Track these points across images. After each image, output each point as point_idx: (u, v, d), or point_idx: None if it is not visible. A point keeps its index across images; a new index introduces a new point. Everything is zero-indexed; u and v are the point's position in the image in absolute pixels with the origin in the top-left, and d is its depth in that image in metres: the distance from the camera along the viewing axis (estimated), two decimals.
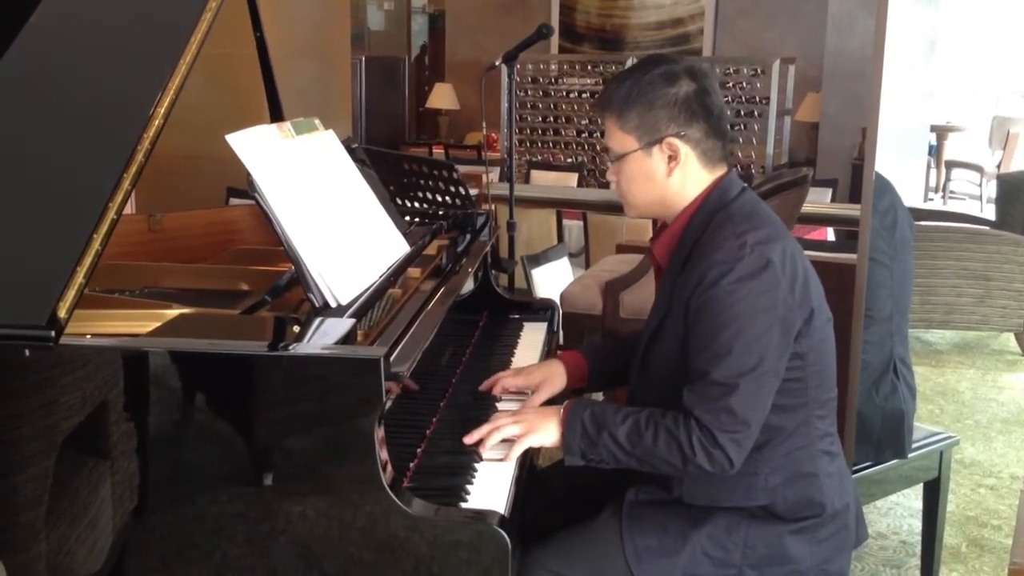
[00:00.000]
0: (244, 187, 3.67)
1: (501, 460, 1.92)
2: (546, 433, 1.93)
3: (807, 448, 1.94)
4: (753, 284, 1.81)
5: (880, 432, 2.74)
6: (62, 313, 1.58)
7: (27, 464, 1.67)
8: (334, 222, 2.03)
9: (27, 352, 1.58)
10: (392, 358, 1.66)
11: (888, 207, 2.77)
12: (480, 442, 1.94)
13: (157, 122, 1.81)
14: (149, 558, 1.67)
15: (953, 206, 9.90)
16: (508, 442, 1.94)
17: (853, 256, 2.71)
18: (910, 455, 2.81)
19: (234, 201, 4.32)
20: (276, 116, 2.75)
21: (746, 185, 1.99)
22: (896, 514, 3.63)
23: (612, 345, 2.37)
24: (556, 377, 2.21)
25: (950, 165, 10.42)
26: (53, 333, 1.57)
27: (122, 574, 1.68)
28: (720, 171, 1.97)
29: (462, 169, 3.17)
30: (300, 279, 1.87)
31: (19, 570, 1.69)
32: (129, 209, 3.67)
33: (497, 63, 3.49)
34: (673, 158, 1.92)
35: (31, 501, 1.67)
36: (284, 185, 1.91)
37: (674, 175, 1.93)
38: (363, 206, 2.22)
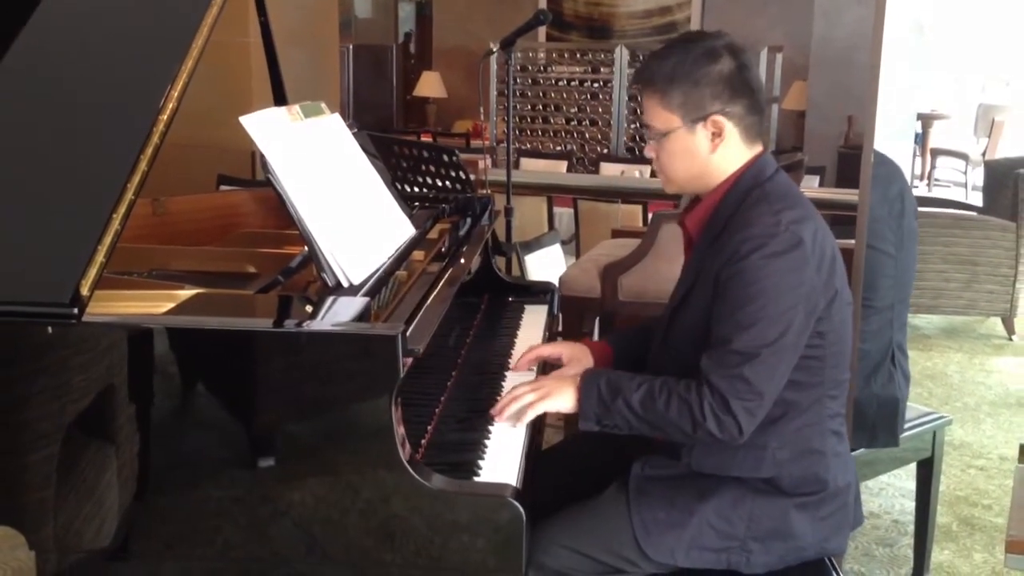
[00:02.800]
0: (235, 175, 3.68)
1: (515, 424, 1.96)
2: (563, 398, 1.97)
3: (818, 426, 1.98)
4: (783, 261, 1.85)
5: (875, 419, 2.77)
6: (84, 291, 1.61)
7: (40, 443, 1.69)
8: (345, 203, 2.06)
9: (50, 329, 1.61)
10: (408, 335, 1.70)
11: (897, 195, 2.76)
12: (499, 413, 1.99)
13: (172, 105, 1.83)
14: (164, 532, 1.70)
15: (938, 194, 9.97)
16: (523, 408, 1.99)
17: (850, 241, 2.73)
18: (904, 435, 2.86)
19: (225, 189, 4.34)
20: (280, 101, 2.77)
21: (779, 166, 2.02)
22: (888, 494, 3.69)
23: (637, 333, 2.40)
24: (584, 356, 2.25)
25: (935, 153, 10.50)
26: (76, 310, 1.60)
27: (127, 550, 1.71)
28: (757, 148, 2.00)
29: (463, 157, 3.20)
30: (313, 259, 1.90)
31: (31, 547, 1.72)
32: None
33: (494, 48, 3.52)
34: (718, 135, 1.95)
35: (42, 480, 1.69)
36: (296, 166, 1.94)
37: (717, 152, 1.96)
38: (371, 188, 2.25)
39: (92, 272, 1.63)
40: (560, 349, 2.25)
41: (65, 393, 1.66)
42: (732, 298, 1.87)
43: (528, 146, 9.03)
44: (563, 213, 6.29)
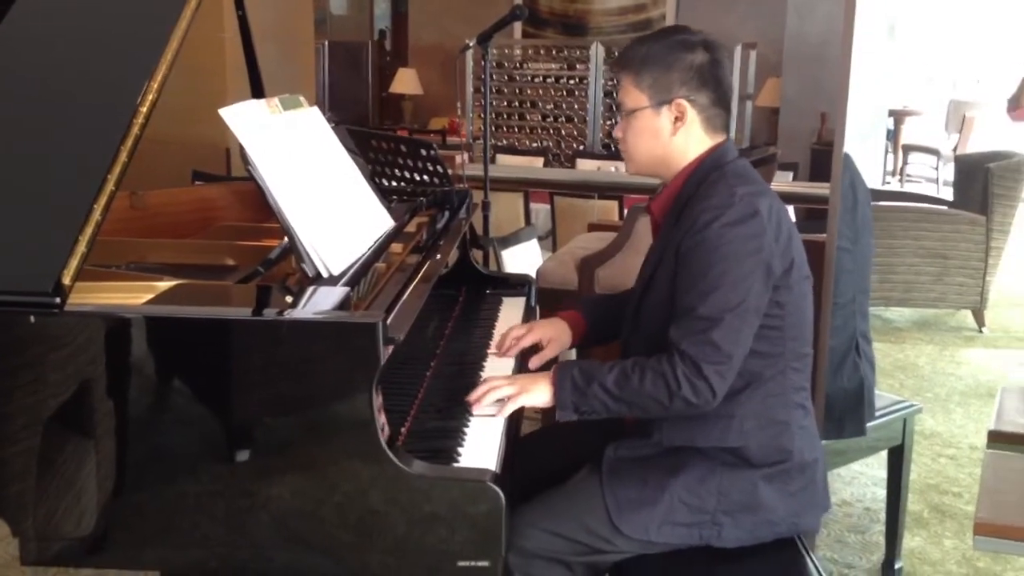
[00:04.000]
0: (209, 171, 3.68)
1: (493, 416, 2.00)
2: (538, 393, 2.02)
3: (781, 397, 2.04)
4: (741, 229, 1.93)
5: (842, 410, 2.82)
6: (67, 280, 1.63)
7: (20, 435, 1.71)
8: (324, 195, 2.08)
9: (32, 319, 1.62)
10: (388, 323, 1.72)
11: (848, 188, 2.82)
12: (476, 402, 2.02)
13: (151, 97, 1.85)
14: (144, 524, 1.71)
15: (910, 189, 10.07)
16: (500, 402, 2.03)
17: (819, 236, 2.77)
18: (874, 422, 2.90)
19: (199, 184, 4.35)
20: (258, 96, 2.79)
21: (750, 159, 2.11)
22: (860, 483, 3.74)
23: (606, 300, 2.49)
24: (563, 334, 2.34)
25: (907, 149, 10.61)
26: (59, 300, 1.61)
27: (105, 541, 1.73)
28: (720, 138, 2.09)
29: (454, 155, 3.23)
30: (293, 250, 1.92)
31: (14, 535, 1.73)
32: None
33: (471, 43, 3.55)
34: (679, 119, 2.05)
35: (21, 473, 1.71)
36: (276, 158, 1.96)
37: (678, 135, 2.05)
38: (350, 181, 2.28)
39: (74, 263, 1.65)
40: (537, 334, 2.31)
41: (46, 385, 1.68)
42: (694, 267, 1.94)
43: (504, 142, 9.06)
44: (540, 209, 6.32)
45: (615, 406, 1.98)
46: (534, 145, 8.99)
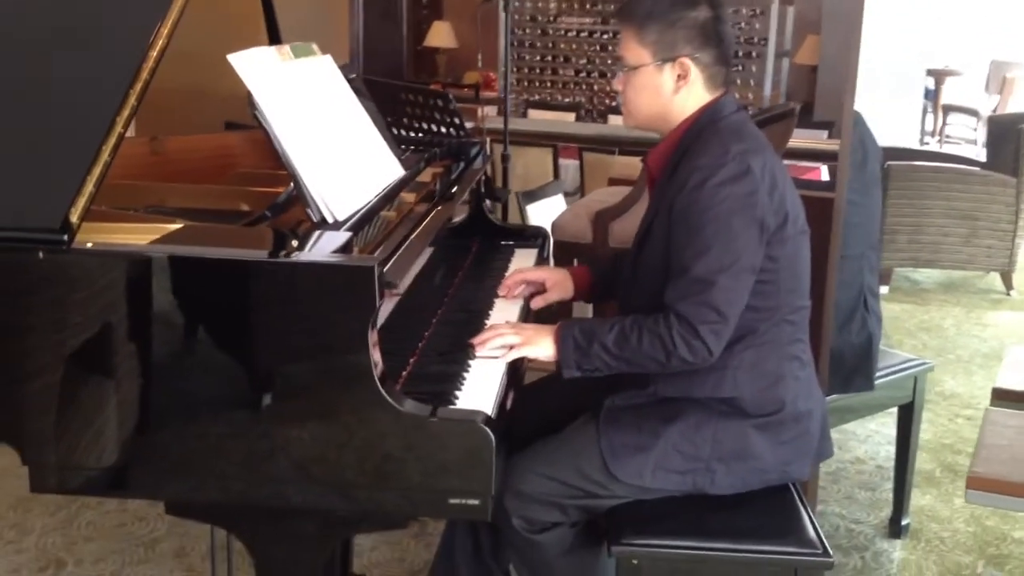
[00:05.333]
0: (242, 122, 3.74)
1: (496, 358, 2.04)
2: (542, 347, 2.06)
3: (776, 349, 2.07)
4: (733, 187, 1.94)
5: (850, 365, 2.83)
6: (74, 219, 1.68)
7: (38, 373, 1.76)
8: (332, 141, 2.11)
9: (41, 255, 1.67)
10: (387, 268, 1.76)
11: (858, 143, 2.81)
12: (480, 345, 2.06)
13: (161, 42, 1.88)
14: (151, 457, 1.77)
15: (949, 150, 9.94)
16: (503, 349, 2.06)
17: (829, 193, 2.78)
18: (884, 380, 2.92)
19: None
20: (275, 42, 2.81)
21: (740, 107, 2.11)
22: (874, 441, 3.76)
23: (613, 258, 2.51)
24: (566, 281, 2.37)
25: (947, 109, 10.45)
26: (66, 237, 1.66)
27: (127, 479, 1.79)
28: (719, 92, 2.09)
29: (461, 106, 3.24)
30: (299, 194, 1.95)
31: (33, 475, 1.80)
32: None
33: None
34: (682, 77, 2.05)
35: (40, 410, 1.76)
36: (283, 104, 1.99)
37: (680, 93, 2.06)
38: (359, 128, 2.31)
39: (81, 201, 1.69)
40: (543, 274, 2.35)
41: (57, 323, 1.73)
42: (688, 226, 1.96)
43: (536, 97, 9.03)
44: (569, 165, 6.31)
45: (616, 364, 2.01)
46: (567, 100, 8.95)
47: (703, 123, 2.05)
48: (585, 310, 3.39)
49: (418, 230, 2.06)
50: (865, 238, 2.86)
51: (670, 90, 2.06)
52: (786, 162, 4.22)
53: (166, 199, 2.45)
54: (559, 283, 2.36)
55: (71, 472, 1.79)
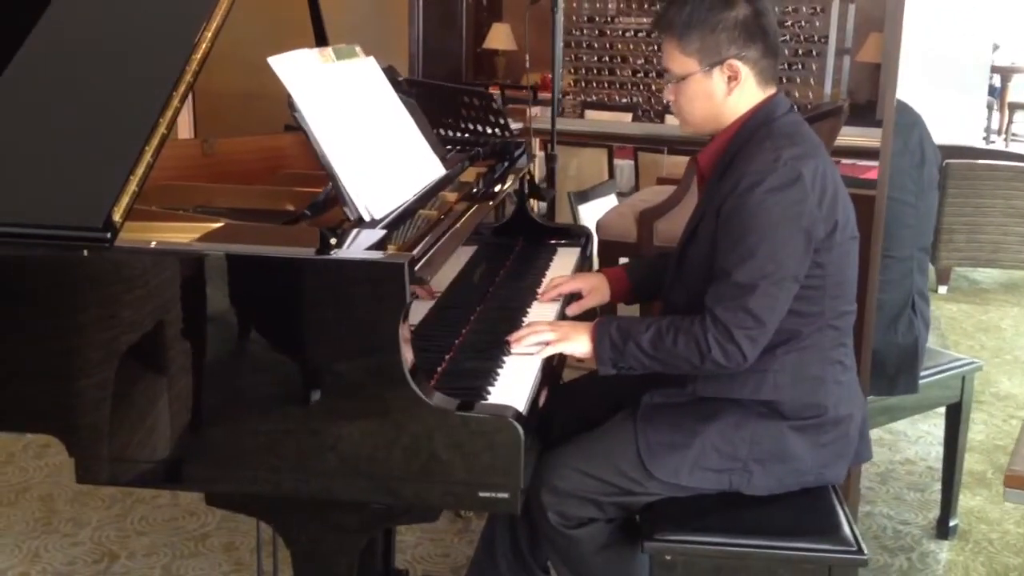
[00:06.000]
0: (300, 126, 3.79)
1: (532, 354, 2.07)
2: (578, 343, 2.08)
3: (819, 354, 2.05)
4: (782, 195, 1.93)
5: (896, 366, 2.81)
6: (117, 217, 1.73)
7: (88, 369, 1.82)
8: (371, 141, 2.15)
9: (85, 252, 1.73)
10: (419, 265, 1.80)
11: (917, 144, 2.79)
12: (516, 342, 2.09)
13: (205, 45, 1.93)
14: (191, 450, 1.82)
15: (1016, 148, 9.76)
16: (539, 345, 2.09)
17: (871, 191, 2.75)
18: (931, 380, 2.89)
19: None
20: (321, 44, 2.87)
21: (793, 106, 2.10)
22: (926, 442, 3.71)
23: (652, 261, 2.51)
24: (603, 286, 2.38)
25: (1013, 107, 10.26)
26: (109, 235, 1.72)
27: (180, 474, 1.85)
28: (771, 90, 2.08)
29: (512, 107, 3.27)
30: (336, 193, 1.99)
31: (85, 470, 1.86)
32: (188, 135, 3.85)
33: None
34: (733, 79, 2.04)
35: (91, 404, 1.82)
36: (322, 104, 2.03)
37: (733, 94, 2.05)
38: (400, 129, 2.34)
39: (124, 200, 1.75)
40: (579, 283, 2.35)
41: (103, 319, 1.78)
42: (733, 231, 1.95)
43: (594, 98, 9.03)
44: (624, 165, 6.32)
45: (650, 363, 2.02)
46: (624, 101, 8.94)
47: (756, 123, 2.04)
48: (629, 309, 3.40)
49: (453, 228, 2.09)
50: (916, 240, 2.84)
51: (723, 92, 2.05)
52: (846, 161, 4.22)
53: (214, 199, 2.51)
54: (596, 288, 2.36)
55: (121, 464, 1.84)
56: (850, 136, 4.05)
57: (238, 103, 4.04)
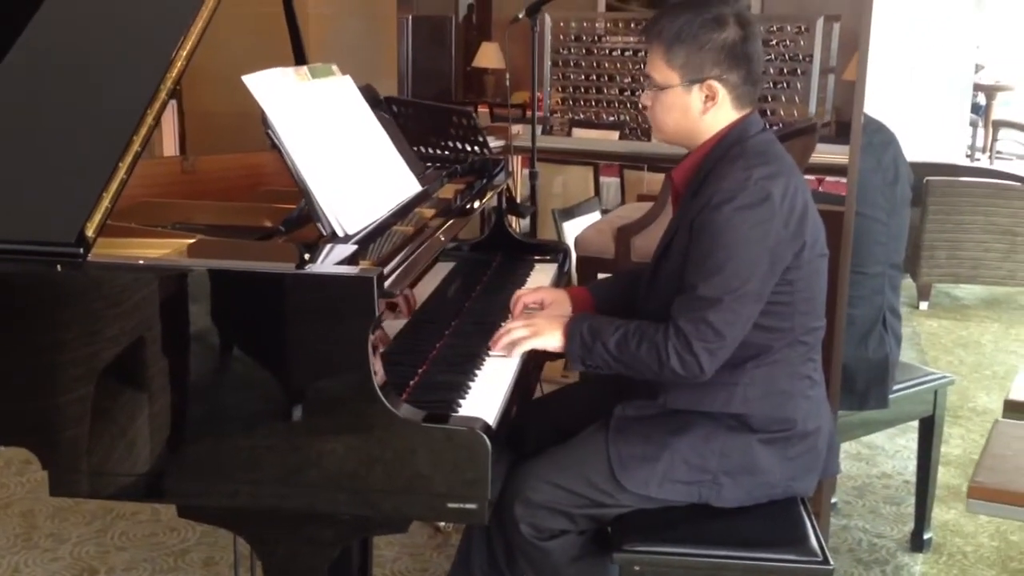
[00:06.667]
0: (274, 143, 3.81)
1: (506, 356, 2.12)
2: (551, 337, 2.12)
3: (788, 368, 2.09)
4: (750, 214, 1.96)
5: (865, 384, 2.84)
6: (90, 232, 1.76)
7: (65, 383, 1.84)
8: (345, 158, 2.18)
9: (59, 267, 1.76)
10: (389, 280, 1.83)
11: (890, 163, 2.83)
12: (494, 343, 2.15)
13: (180, 64, 1.96)
14: (162, 462, 1.84)
15: (1001, 166, 9.83)
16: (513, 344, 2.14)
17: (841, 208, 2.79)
18: (903, 394, 2.92)
19: None
20: (300, 62, 2.90)
21: (767, 126, 2.14)
22: (903, 456, 3.75)
23: (616, 281, 2.55)
24: (564, 302, 2.38)
25: (998, 125, 10.34)
26: (82, 250, 1.75)
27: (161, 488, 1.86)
28: (746, 111, 2.11)
29: (495, 125, 3.30)
30: (309, 208, 2.02)
31: (64, 484, 1.88)
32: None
33: (520, 16, 3.62)
34: (711, 98, 2.07)
35: (74, 420, 1.84)
36: (296, 122, 2.06)
37: (708, 113, 2.08)
38: (375, 146, 2.37)
39: (97, 216, 1.78)
40: (541, 295, 2.38)
41: (73, 333, 1.81)
42: (702, 246, 1.99)
43: (581, 116, 9.08)
44: (610, 183, 6.36)
45: (615, 365, 2.06)
46: (611, 119, 8.99)
47: (729, 142, 2.08)
48: None
49: (425, 243, 2.12)
50: (888, 257, 2.87)
51: (698, 110, 2.08)
52: (830, 179, 4.25)
53: (192, 216, 2.53)
54: (556, 302, 2.37)
55: (100, 478, 1.86)
56: (834, 155, 4.08)
57: (229, 122, 4.08)
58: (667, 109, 2.11)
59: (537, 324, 2.16)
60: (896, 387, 2.90)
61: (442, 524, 3.15)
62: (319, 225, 2.02)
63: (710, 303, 1.96)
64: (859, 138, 2.59)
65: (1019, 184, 5.63)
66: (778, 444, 2.08)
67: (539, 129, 7.73)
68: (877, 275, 2.82)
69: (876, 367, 2.81)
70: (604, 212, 5.49)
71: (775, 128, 4.84)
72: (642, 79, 2.16)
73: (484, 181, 2.86)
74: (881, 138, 2.79)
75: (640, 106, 2.20)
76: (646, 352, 2.00)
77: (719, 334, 1.96)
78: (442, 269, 2.66)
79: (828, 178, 4.40)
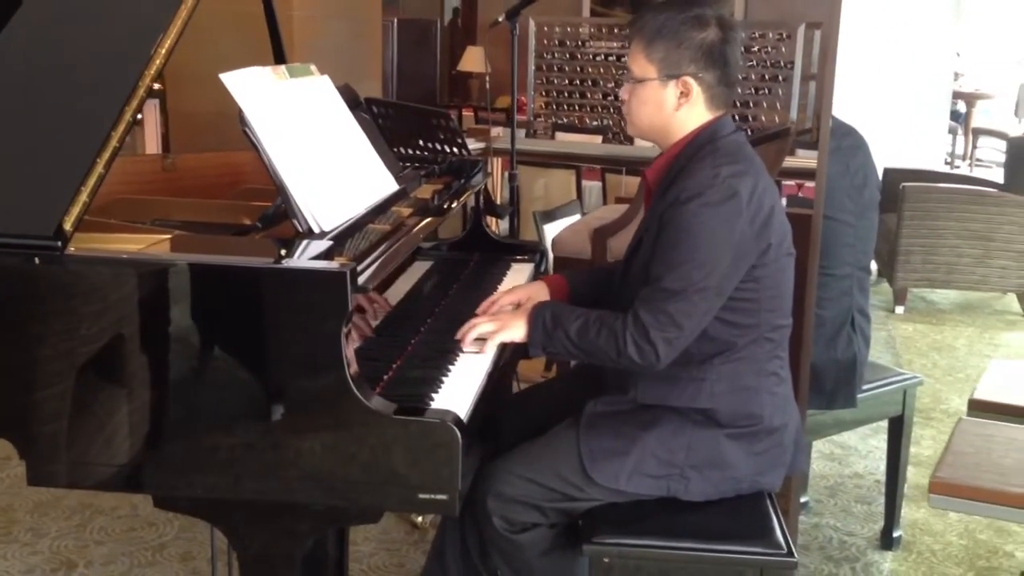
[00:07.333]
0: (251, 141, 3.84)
1: (477, 353, 2.15)
2: (515, 329, 2.16)
3: (754, 365, 2.14)
4: (717, 210, 2.01)
5: (833, 384, 2.89)
6: (67, 226, 1.79)
7: (44, 376, 1.87)
8: (321, 156, 2.21)
9: (37, 260, 1.79)
10: (364, 275, 1.87)
11: (859, 166, 2.88)
12: (462, 339, 2.18)
13: (158, 61, 1.99)
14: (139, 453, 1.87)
15: (980, 173, 9.92)
16: (482, 340, 2.18)
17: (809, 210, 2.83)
18: (871, 394, 2.97)
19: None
20: (279, 62, 2.93)
21: (739, 128, 2.19)
22: (875, 456, 3.79)
23: (593, 272, 2.60)
24: (543, 294, 2.42)
25: (977, 132, 10.44)
26: (60, 243, 1.78)
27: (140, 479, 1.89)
28: (719, 112, 2.16)
29: (475, 127, 3.34)
30: (285, 204, 2.06)
31: (42, 475, 1.90)
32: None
33: (500, 19, 3.66)
34: (685, 95, 2.12)
35: (52, 413, 1.87)
36: (272, 120, 2.09)
37: (681, 110, 2.13)
38: (352, 145, 2.41)
39: (75, 210, 1.81)
40: (518, 294, 2.41)
41: (52, 327, 1.83)
42: (667, 240, 2.04)
43: (565, 120, 9.12)
44: (592, 187, 6.41)
45: (576, 352, 2.12)
46: (594, 123, 9.04)
47: (701, 141, 2.12)
48: None
49: (400, 241, 2.15)
50: (856, 259, 2.92)
51: (672, 106, 2.13)
52: (809, 183, 4.31)
53: (171, 213, 2.56)
54: (534, 297, 2.39)
55: (79, 468, 1.88)
56: (813, 160, 4.13)
57: (212, 121, 4.10)
58: (642, 102, 2.16)
59: (501, 317, 2.21)
60: (865, 387, 2.95)
61: (419, 520, 3.18)
62: (295, 222, 2.05)
63: (672, 294, 2.01)
64: (827, 142, 2.64)
65: (994, 191, 5.71)
66: (745, 439, 2.13)
67: (522, 133, 7.80)
68: (845, 277, 2.87)
69: (844, 367, 2.85)
70: (585, 215, 5.55)
71: (749, 132, 4.90)
72: (623, 73, 2.21)
73: (462, 181, 2.89)
74: (851, 142, 2.84)
75: (620, 100, 2.25)
76: (605, 339, 2.05)
77: (677, 325, 2.01)
78: (419, 268, 2.70)
79: (808, 183, 4.48)
